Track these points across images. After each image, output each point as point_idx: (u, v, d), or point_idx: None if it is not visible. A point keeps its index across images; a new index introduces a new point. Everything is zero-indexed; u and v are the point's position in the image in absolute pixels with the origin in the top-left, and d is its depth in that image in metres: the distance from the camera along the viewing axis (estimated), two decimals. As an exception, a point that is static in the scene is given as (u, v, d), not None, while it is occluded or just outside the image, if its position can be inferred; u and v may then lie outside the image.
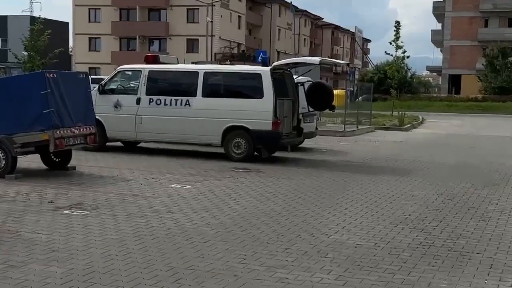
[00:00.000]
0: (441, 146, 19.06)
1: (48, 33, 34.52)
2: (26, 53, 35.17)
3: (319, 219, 7.85)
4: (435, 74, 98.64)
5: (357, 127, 23.88)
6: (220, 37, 61.19)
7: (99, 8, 62.79)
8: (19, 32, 38.62)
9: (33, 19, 43.50)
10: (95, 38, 63.59)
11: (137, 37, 61.77)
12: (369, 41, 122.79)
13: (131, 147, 15.45)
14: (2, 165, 10.26)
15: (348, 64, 16.56)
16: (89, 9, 63.09)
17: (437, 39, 69.46)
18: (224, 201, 8.78)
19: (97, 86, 14.53)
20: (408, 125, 27.60)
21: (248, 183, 10.46)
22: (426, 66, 78.95)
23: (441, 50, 72.26)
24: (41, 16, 36.88)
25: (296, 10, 70.84)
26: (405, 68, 58.16)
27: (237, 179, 10.85)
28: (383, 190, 10.21)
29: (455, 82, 64.50)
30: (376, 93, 47.60)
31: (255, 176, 11.37)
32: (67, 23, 65.85)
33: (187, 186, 9.91)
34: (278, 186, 10.28)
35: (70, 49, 67.11)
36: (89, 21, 63.42)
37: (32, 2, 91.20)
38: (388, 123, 28.19)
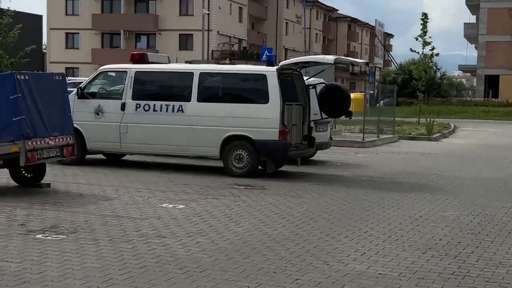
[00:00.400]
0: (476, 159, 19.04)
1: (18, 28, 34.64)
2: (-8, 51, 35.30)
3: (334, 244, 7.84)
4: (468, 74, 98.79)
5: (378, 137, 23.88)
6: (218, 32, 61.44)
7: (78, -1, 63.21)
8: (-15, 26, 38.81)
9: (1, 12, 43.78)
10: (73, 33, 63.93)
11: (122, 32, 62.08)
12: (391, 36, 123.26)
13: (115, 161, 15.47)
14: (-35, 181, 10.29)
15: (367, 63, 16.63)
16: (66, 0, 63.44)
17: (471, 33, 69.56)
18: (224, 224, 8.78)
19: (75, 89, 14.58)
20: (438, 134, 27.61)
21: (251, 202, 10.46)
22: (458, 66, 79.06)
23: (475, 47, 72.41)
24: (10, 8, 37.10)
25: (307, 1, 71.14)
26: (434, 67, 58.39)
27: (238, 198, 10.85)
28: (409, 210, 10.19)
29: (492, 83, 64.50)
30: (400, 96, 47.76)
31: (260, 194, 11.37)
32: (40, 16, 66.03)
33: (180, 206, 9.91)
34: (286, 206, 10.27)
35: (44, 47, 67.46)
36: (66, 14, 63.81)
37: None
38: (414, 131, 28.19)
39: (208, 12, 49.60)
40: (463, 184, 13.51)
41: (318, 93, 14.78)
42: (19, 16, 39.77)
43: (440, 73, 68.49)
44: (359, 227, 8.84)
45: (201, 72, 13.89)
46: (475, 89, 75.52)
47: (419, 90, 32.20)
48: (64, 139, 11.06)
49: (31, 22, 59.01)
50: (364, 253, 7.47)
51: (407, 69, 58.73)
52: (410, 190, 12.45)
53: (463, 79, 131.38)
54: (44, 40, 67.13)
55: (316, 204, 10.60)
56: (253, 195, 11.18)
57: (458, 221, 9.50)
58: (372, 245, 7.83)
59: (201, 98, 13.65)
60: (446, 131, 29.99)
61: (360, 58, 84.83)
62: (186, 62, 42.48)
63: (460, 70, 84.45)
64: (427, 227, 9.00)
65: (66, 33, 63.82)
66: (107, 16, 63.17)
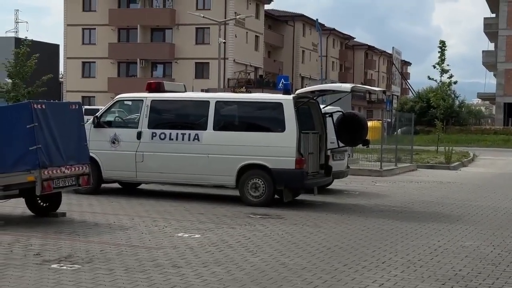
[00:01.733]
0: (496, 188, 18.90)
1: (35, 57, 35.11)
2: (9, 80, 35.69)
3: (352, 274, 7.79)
4: (487, 102, 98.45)
5: (396, 165, 23.79)
6: (234, 60, 61.76)
7: (95, 28, 63.81)
8: (2, 56, 39.30)
9: (18, 41, 44.34)
10: (90, 62, 64.48)
11: (138, 60, 62.52)
12: (409, 64, 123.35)
13: (130, 189, 15.53)
14: (-19, 210, 10.35)
15: (384, 91, 16.54)
16: (83, 29, 64.13)
17: (489, 61, 69.40)
18: (240, 253, 8.77)
19: (91, 118, 14.70)
20: (457, 163, 27.44)
21: (268, 232, 10.44)
22: (477, 93, 78.81)
23: (494, 75, 72.17)
24: (27, 38, 37.58)
25: (323, 29, 71.40)
26: (452, 95, 58.23)
27: (254, 227, 10.84)
28: (428, 240, 10.12)
29: (511, 111, 64.18)
30: (418, 124, 47.57)
31: (276, 223, 11.35)
32: (57, 46, 67.02)
33: (196, 236, 9.92)
34: (303, 236, 10.24)
35: (60, 76, 68.20)
36: (83, 43, 64.42)
37: (18, 22, 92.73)
38: (433, 160, 28.05)
39: (224, 40, 49.87)
40: (483, 214, 13.40)
41: (335, 121, 14.80)
42: (36, 46, 40.32)
43: (459, 101, 68.11)
44: (377, 257, 8.78)
45: (217, 101, 13.97)
46: (494, 117, 75.10)
47: (437, 118, 32.08)
48: (80, 168, 11.12)
49: (48, 51, 59.91)
50: (383, 283, 7.41)
51: (425, 97, 58.50)
52: (428, 219, 12.37)
53: (482, 107, 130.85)
54: (61, 69, 67.91)
55: (333, 233, 10.55)
56: (269, 225, 11.16)
57: (478, 251, 9.42)
58: (390, 276, 7.77)
59: (217, 127, 13.72)
60: (465, 159, 29.80)
61: (377, 86, 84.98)
62: (202, 90, 42.86)
63: (479, 98, 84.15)
64: (447, 257, 8.93)
65: (82, 62, 64.33)
66: (124, 45, 63.66)
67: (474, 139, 49.80)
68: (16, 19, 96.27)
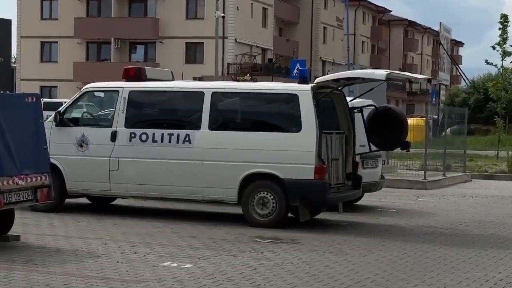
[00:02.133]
0: None
1: (-19, 36, 35.21)
2: None
3: (388, 316, 7.77)
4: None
5: (444, 175, 23.75)
6: (235, 39, 61.83)
7: (57, -1, 63.99)
8: None
9: (-41, 16, 44.60)
10: (50, 42, 64.68)
11: (113, 40, 62.63)
12: (461, 44, 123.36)
13: (103, 206, 15.54)
14: None
15: (429, 80, 16.43)
16: (42, 0, 64.28)
17: None
18: (243, 289, 8.77)
19: (52, 114, 14.72)
20: (524, 172, 27.38)
21: (279, 261, 10.43)
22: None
23: None
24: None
25: (350, 0, 71.47)
26: (517, 85, 58.20)
27: (262, 255, 10.83)
28: (485, 273, 10.10)
29: None
30: (472, 122, 47.47)
31: (290, 249, 11.34)
32: (9, 21, 67.10)
33: (187, 266, 9.91)
34: (325, 266, 10.23)
35: (13, 59, 68.37)
36: (42, 18, 64.63)
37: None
38: (492, 168, 27.99)
39: (223, 14, 49.77)
40: (557, 238, 13.39)
41: (365, 118, 14.79)
42: (-18, 21, 40.45)
43: (526, 92, 68.18)
44: (420, 294, 8.77)
45: (214, 92, 13.98)
46: None
47: (497, 115, 32.08)
48: (38, 178, 11.12)
49: (-3, 28, 60.09)
50: (427, 328, 7.39)
51: (481, 87, 58.52)
52: (487, 245, 12.34)
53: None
54: (14, 51, 68.07)
55: (363, 263, 10.53)
56: (281, 251, 11.15)
57: (551, 286, 9.40)
58: (437, 318, 7.76)
59: (214, 125, 13.73)
60: (535, 167, 29.73)
61: (420, 73, 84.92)
62: (195, 78, 42.82)
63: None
64: (510, 293, 8.91)
65: (41, 42, 64.51)
66: (94, 20, 63.75)
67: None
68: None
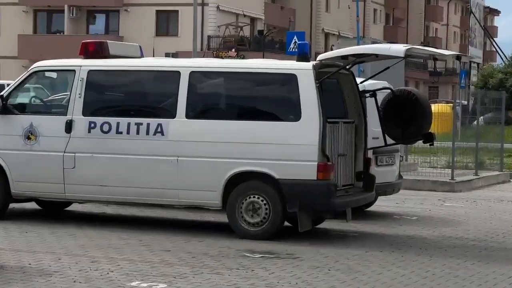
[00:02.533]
0: None
1: None
2: None
3: None
4: None
5: (476, 174, 23.82)
6: (218, 7, 61.91)
7: (-3, -45, 63.89)
8: None
9: None
10: (-10, 11, 64.57)
11: (66, 8, 62.61)
12: (496, 13, 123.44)
13: (55, 212, 15.56)
14: None
15: (458, 57, 16.44)
16: (-22, -44, 64.23)
17: None
18: (230, 314, 8.83)
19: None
20: None
21: (274, 280, 10.46)
22: None
23: None
24: None
25: (360, -43, 71.52)
26: None
27: (253, 273, 10.86)
28: (527, 293, 10.17)
29: None
30: (511, 109, 47.56)
31: (287, 266, 11.37)
32: None
33: (160, 286, 9.94)
34: (331, 286, 10.27)
35: None
36: (-22, -20, 64.49)
37: None
38: (535, 166, 28.09)
39: (202, -25, 49.95)
40: None
41: (380, 104, 14.83)
42: None
43: None
44: (447, 320, 8.84)
45: (192, 71, 13.99)
46: None
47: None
48: (-24, 178, 11.15)
49: None
50: None
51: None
52: (529, 260, 12.43)
53: None
54: None
55: (378, 282, 10.58)
56: (276, 268, 11.18)
57: None
58: None
59: (192, 113, 13.77)
60: None
61: (446, 48, 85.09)
62: (168, 55, 42.78)
63: None
64: (558, 320, 8.98)
65: (-22, 10, 64.47)
66: (43, -17, 63.77)
67: None
68: None
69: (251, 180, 13.46)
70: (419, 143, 16.76)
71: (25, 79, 15.01)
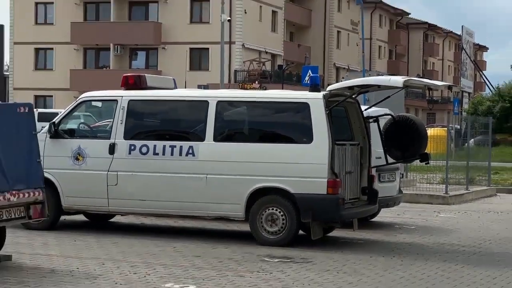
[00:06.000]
0: None
1: (-29, 43, 35.41)
2: None
3: None
4: None
5: (467, 189, 23.69)
6: (243, 45, 61.94)
7: (52, 2, 64.17)
8: None
9: None
10: (46, 48, 64.89)
11: (112, 46, 62.80)
12: (485, 49, 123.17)
13: (100, 223, 15.58)
14: None
15: (450, 87, 16.42)
16: (36, 3, 64.55)
17: None
18: (250, 312, 8.78)
19: (47, 125, 14.77)
20: (553, 186, 27.32)
21: (290, 281, 10.43)
22: None
23: None
24: (-40, 16, 37.91)
25: (366, 1, 71.50)
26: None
27: (271, 275, 10.83)
28: (511, 293, 10.08)
29: None
30: (498, 133, 47.36)
31: (301, 269, 11.33)
32: (1, 26, 67.30)
33: (191, 287, 9.91)
34: (338, 286, 10.22)
35: (5, 67, 68.54)
36: (36, 23, 64.86)
37: None
38: (519, 182, 27.93)
39: (229, 18, 49.87)
40: None
41: (382, 128, 14.79)
42: (-28, 27, 40.58)
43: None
44: (441, 317, 8.76)
45: (219, 101, 14.00)
46: None
47: (524, 124, 32.02)
48: (31, 194, 11.14)
49: (-12, 34, 60.29)
50: None
51: (508, 95, 58.49)
52: (513, 264, 12.34)
53: None
54: (6, 58, 68.26)
55: (380, 284, 10.53)
56: (291, 271, 11.14)
57: None
58: None
59: (219, 137, 13.76)
60: None
61: (441, 80, 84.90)
62: (199, 87, 42.86)
63: None
64: (538, 316, 8.88)
65: (35, 48, 64.75)
66: (92, 25, 63.96)
67: None
68: None
69: (270, 194, 13.42)
70: (417, 162, 16.69)
71: (74, 107, 15.05)
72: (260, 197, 13.44)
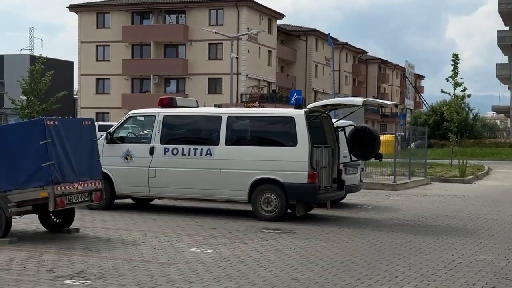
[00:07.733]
0: (510, 201, 18.75)
1: (50, 74, 35.40)
2: (24, 98, 36.01)
3: (365, 289, 7.74)
4: (502, 115, 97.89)
5: (409, 179, 23.68)
6: (247, 75, 61.90)
7: (108, 45, 64.19)
8: (17, 73, 39.66)
9: (33, 59, 44.58)
10: (104, 78, 64.83)
11: (152, 76, 62.80)
12: (422, 77, 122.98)
13: (143, 205, 15.58)
14: (-5, 227, 10.39)
15: (396, 105, 16.52)
16: (97, 46, 64.54)
17: (503, 74, 69.19)
18: (252, 268, 8.76)
19: (104, 134, 14.78)
20: (471, 176, 27.29)
21: (280, 247, 10.42)
22: (491, 106, 78.48)
23: (508, 88, 71.92)
24: (42, 55, 37.93)
25: (336, 43, 71.34)
26: (466, 108, 57.95)
27: (267, 242, 10.83)
28: (441, 255, 10.07)
29: (526, 124, 63.76)
30: (432, 138, 47.34)
31: (288, 238, 11.33)
32: (71, 63, 67.43)
33: (208, 251, 9.92)
34: (316, 250, 10.22)
35: (75, 92, 68.61)
36: (97, 60, 64.81)
37: (33, 39, 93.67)
38: (447, 174, 27.89)
39: (237, 56, 49.89)
40: (497, 228, 13.30)
41: (347, 135, 14.78)
42: (51, 63, 40.57)
43: (473, 114, 67.77)
44: (390, 272, 8.74)
45: (229, 116, 14.01)
46: (509, 130, 74.65)
47: (451, 132, 31.94)
48: (93, 183, 11.17)
49: (62, 68, 60.45)
50: (395, 298, 7.36)
51: (438, 111, 58.35)
52: (442, 233, 12.29)
53: (497, 120, 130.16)
54: (75, 86, 68.31)
55: (346, 248, 10.52)
56: (282, 239, 11.14)
57: (493, 265, 9.35)
58: (403, 290, 7.72)
59: (230, 142, 13.74)
60: (480, 173, 29.61)
61: (391, 100, 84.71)
62: (216, 105, 42.95)
63: (494, 111, 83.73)
64: (461, 271, 8.87)
65: (96, 78, 64.72)
66: (137, 61, 63.98)
67: (489, 153, 49.42)
68: (31, 36, 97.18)
69: (266, 183, 13.39)
70: (373, 160, 16.69)
71: (124, 121, 15.05)
72: (259, 185, 13.41)
